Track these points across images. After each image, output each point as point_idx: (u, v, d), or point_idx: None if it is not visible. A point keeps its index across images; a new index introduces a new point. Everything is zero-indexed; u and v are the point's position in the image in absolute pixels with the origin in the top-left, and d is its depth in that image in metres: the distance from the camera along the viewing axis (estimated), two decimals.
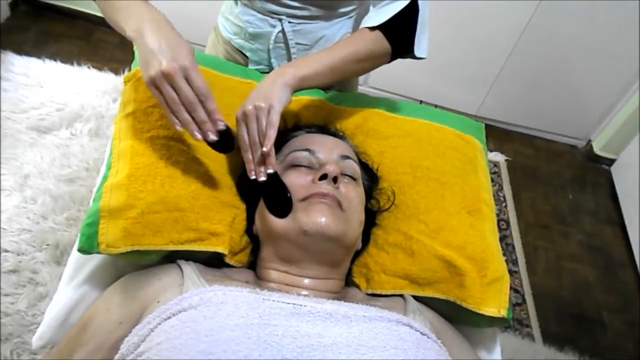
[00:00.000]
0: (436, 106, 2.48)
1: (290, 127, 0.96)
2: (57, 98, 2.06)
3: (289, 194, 0.78)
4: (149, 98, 0.88)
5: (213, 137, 0.73)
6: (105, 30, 2.53)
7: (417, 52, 0.97)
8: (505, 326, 1.81)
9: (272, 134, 0.76)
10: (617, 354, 1.89)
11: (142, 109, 0.87)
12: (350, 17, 1.10)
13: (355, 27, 1.11)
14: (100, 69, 2.27)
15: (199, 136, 0.72)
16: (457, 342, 0.80)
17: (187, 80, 0.70)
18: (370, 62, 0.94)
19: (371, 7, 0.99)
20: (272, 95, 0.79)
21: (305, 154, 0.84)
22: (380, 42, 0.93)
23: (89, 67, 2.26)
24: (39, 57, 2.23)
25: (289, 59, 1.10)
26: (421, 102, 2.51)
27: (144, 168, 0.79)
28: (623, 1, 2.09)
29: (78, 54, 2.37)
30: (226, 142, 0.76)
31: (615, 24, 2.17)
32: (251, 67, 1.13)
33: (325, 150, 0.85)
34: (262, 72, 1.10)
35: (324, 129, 0.94)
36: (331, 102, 1.07)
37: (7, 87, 2.07)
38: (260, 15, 1.06)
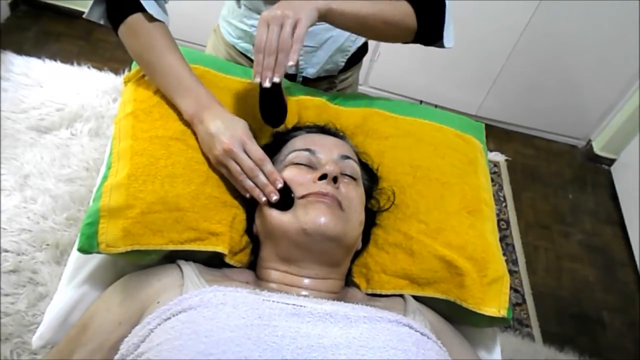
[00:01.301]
0: (436, 106, 2.48)
1: (291, 127, 0.96)
2: (57, 98, 2.06)
3: (284, 102, 0.80)
4: (149, 98, 0.89)
5: (275, 197, 0.78)
6: (105, 30, 2.50)
7: (446, 41, 0.99)
8: (505, 326, 1.81)
9: (297, 48, 0.77)
10: (617, 354, 1.89)
11: (142, 108, 0.87)
12: None
13: None
14: (100, 69, 2.27)
15: (264, 199, 0.78)
16: (457, 342, 0.80)
17: (246, 151, 0.78)
18: (395, 29, 0.95)
19: None
20: (303, 9, 0.79)
21: (306, 153, 0.84)
22: (409, 15, 0.95)
23: (89, 67, 2.26)
24: (39, 57, 2.23)
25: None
26: (421, 102, 2.51)
27: (144, 168, 0.79)
28: (623, 1, 2.09)
29: (78, 54, 2.37)
30: (286, 199, 0.78)
31: (615, 24, 2.17)
32: None
33: (325, 150, 0.85)
34: None
35: (324, 129, 0.94)
36: (331, 102, 1.07)
37: (7, 87, 2.07)
38: None
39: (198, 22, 2.36)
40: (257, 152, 0.79)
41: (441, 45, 1.00)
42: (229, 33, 1.14)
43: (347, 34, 1.10)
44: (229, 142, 0.77)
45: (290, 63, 0.77)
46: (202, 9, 2.23)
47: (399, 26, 0.95)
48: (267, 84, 0.78)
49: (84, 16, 0.92)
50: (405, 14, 0.95)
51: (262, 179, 0.78)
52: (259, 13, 1.05)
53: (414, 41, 0.99)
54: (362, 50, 1.21)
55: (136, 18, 0.87)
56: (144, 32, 0.88)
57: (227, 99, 0.93)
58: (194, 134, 0.85)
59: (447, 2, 0.97)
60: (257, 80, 0.79)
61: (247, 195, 0.80)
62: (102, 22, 0.92)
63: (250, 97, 0.98)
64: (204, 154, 0.84)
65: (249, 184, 0.78)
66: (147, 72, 0.91)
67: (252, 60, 1.11)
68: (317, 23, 1.04)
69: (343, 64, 1.16)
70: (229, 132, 0.78)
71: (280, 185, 0.78)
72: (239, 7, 1.08)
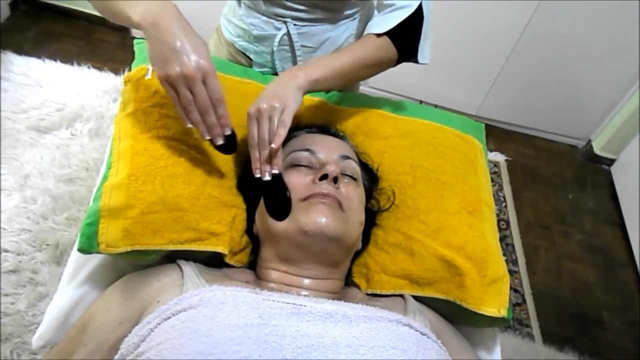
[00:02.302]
0: (436, 106, 2.48)
1: (291, 127, 0.96)
2: (57, 98, 2.06)
3: (288, 195, 0.78)
4: (149, 98, 0.88)
5: (220, 140, 0.76)
6: (105, 30, 2.53)
7: (421, 58, 0.99)
8: (505, 326, 1.81)
9: (283, 133, 0.78)
10: (617, 354, 1.89)
11: (142, 108, 0.87)
12: (354, 19, 1.10)
13: (360, 29, 1.11)
14: (100, 69, 2.27)
15: (207, 137, 0.75)
16: (457, 342, 0.80)
17: (204, 83, 0.71)
18: (378, 67, 0.97)
19: (376, 12, 1.00)
20: (287, 96, 0.80)
21: (306, 154, 0.84)
22: (387, 48, 0.95)
23: (89, 67, 2.26)
24: (39, 57, 2.23)
25: (294, 61, 1.10)
26: (421, 102, 2.51)
27: (144, 168, 0.78)
28: (623, 1, 2.09)
29: (78, 54, 2.37)
30: (230, 145, 0.78)
31: (615, 24, 2.17)
32: (255, 69, 1.13)
33: (325, 150, 0.85)
34: (264, 74, 1.10)
35: (325, 129, 0.94)
36: (331, 102, 1.07)
37: (7, 87, 2.07)
38: (265, 18, 1.06)
39: (198, 22, 2.36)
40: (217, 88, 0.72)
41: (415, 62, 1.01)
42: (229, 32, 1.14)
43: (345, 34, 1.10)
44: (193, 68, 0.69)
45: (273, 146, 0.77)
46: (202, 9, 2.24)
47: (381, 61, 0.96)
48: (267, 178, 0.78)
49: None
50: (382, 47, 0.95)
51: (212, 118, 0.73)
52: (259, 12, 1.05)
53: (397, 64, 1.00)
54: None
55: None
56: None
57: (227, 99, 0.93)
58: (195, 133, 0.85)
59: (425, 19, 0.96)
60: (257, 175, 0.78)
61: (188, 126, 0.74)
62: None
63: (251, 97, 0.98)
64: (202, 154, 0.83)
65: (196, 117, 0.73)
66: (102, 9, 0.82)
67: (250, 59, 1.12)
68: (316, 23, 1.04)
69: None
70: (196, 56, 0.70)
71: (228, 132, 0.75)
72: (240, 5, 1.09)
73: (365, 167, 0.92)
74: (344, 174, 0.83)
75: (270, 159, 0.78)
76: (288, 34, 1.06)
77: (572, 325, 1.95)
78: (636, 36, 2.18)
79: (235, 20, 1.11)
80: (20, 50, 2.26)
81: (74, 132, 1.98)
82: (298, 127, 0.95)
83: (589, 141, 2.65)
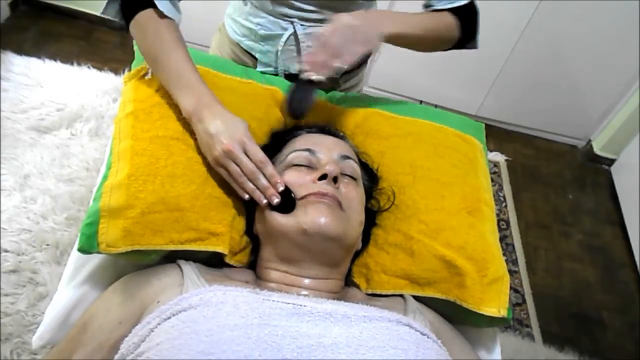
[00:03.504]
0: (436, 106, 2.48)
1: (291, 127, 0.96)
2: (57, 98, 2.06)
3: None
4: (149, 98, 0.88)
5: (277, 200, 0.77)
6: (105, 30, 2.53)
7: (478, 43, 1.03)
8: (505, 326, 1.81)
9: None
10: (617, 354, 1.89)
11: (142, 108, 0.87)
12: None
13: None
14: (100, 69, 2.27)
15: (265, 202, 0.77)
16: (457, 342, 0.80)
17: (246, 152, 0.77)
18: (442, 43, 1.00)
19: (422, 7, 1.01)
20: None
21: (306, 154, 0.84)
22: (455, 28, 0.99)
23: (89, 67, 2.26)
24: (39, 57, 2.23)
25: (300, 61, 1.10)
26: (421, 102, 2.51)
27: (144, 168, 0.79)
28: (623, 1, 2.09)
29: (78, 54, 2.37)
30: (288, 203, 0.77)
31: (615, 24, 2.17)
32: (260, 68, 1.13)
33: (325, 150, 0.85)
34: (267, 74, 1.10)
35: (324, 129, 0.94)
36: (331, 102, 1.07)
37: (7, 87, 2.07)
38: (271, 18, 1.06)
39: (199, 23, 2.36)
40: (258, 153, 0.77)
41: (473, 46, 1.03)
42: (235, 31, 1.14)
43: None
44: (228, 143, 0.76)
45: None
46: (203, 9, 2.24)
47: (445, 39, 1.00)
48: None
49: (99, 13, 0.94)
50: (450, 26, 0.98)
51: (263, 181, 0.77)
52: (265, 11, 1.05)
53: (451, 48, 1.03)
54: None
55: (146, 14, 0.88)
56: (151, 28, 0.88)
57: (228, 99, 0.93)
58: (194, 133, 0.85)
59: (477, 6, 1.01)
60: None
61: (246, 197, 0.79)
62: (117, 20, 0.92)
63: (251, 97, 0.98)
64: (202, 154, 0.84)
65: (249, 186, 0.77)
66: (152, 68, 0.91)
67: (255, 59, 1.11)
68: (323, 24, 1.04)
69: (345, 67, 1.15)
70: (229, 132, 0.77)
71: (281, 188, 0.77)
72: (245, 4, 1.08)
73: (365, 167, 0.92)
74: (343, 174, 0.83)
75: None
76: (295, 34, 1.06)
77: (572, 325, 1.95)
78: (636, 36, 2.18)
79: (241, 20, 1.11)
80: (20, 50, 2.26)
81: (74, 132, 1.98)
82: (298, 127, 0.95)
83: (589, 141, 2.65)
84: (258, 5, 1.06)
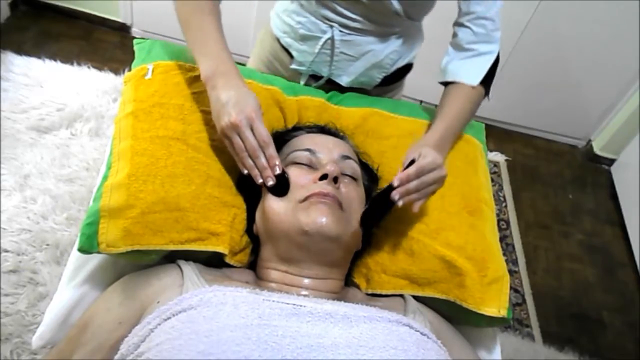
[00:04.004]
0: (436, 106, 2.47)
1: (291, 127, 0.96)
2: (57, 98, 2.06)
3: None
4: (149, 98, 0.88)
5: (271, 182, 0.78)
6: (105, 30, 2.53)
7: (491, 96, 1.05)
8: (505, 326, 1.81)
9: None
10: (617, 354, 1.89)
11: (142, 108, 0.87)
12: (400, 36, 1.09)
13: (403, 49, 1.12)
14: (100, 69, 2.27)
15: (260, 181, 0.78)
16: (457, 342, 0.80)
17: (252, 129, 0.77)
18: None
19: (451, 50, 1.03)
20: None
21: (306, 154, 0.84)
22: (481, 95, 1.02)
23: (89, 67, 2.26)
24: (39, 57, 2.23)
25: (330, 66, 1.10)
26: (421, 102, 2.50)
27: (144, 168, 0.78)
28: (623, 1, 2.09)
29: (78, 54, 2.37)
30: (283, 186, 0.79)
31: (615, 24, 2.17)
32: (294, 66, 1.13)
33: (325, 150, 0.85)
34: (300, 72, 1.12)
35: (325, 129, 0.94)
36: (331, 102, 1.07)
37: (7, 87, 2.07)
38: (313, 19, 1.06)
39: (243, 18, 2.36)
40: (263, 133, 0.77)
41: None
42: (277, 26, 1.15)
43: (388, 50, 1.10)
44: (237, 116, 0.76)
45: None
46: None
47: (475, 109, 1.03)
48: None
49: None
50: (479, 98, 1.01)
51: (262, 160, 0.77)
52: (309, 11, 1.06)
53: None
54: (404, 69, 1.20)
55: None
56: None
57: None
58: (194, 133, 0.85)
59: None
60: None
61: (245, 172, 0.79)
62: None
63: None
64: (202, 154, 0.83)
65: (249, 162, 0.78)
66: (182, 29, 0.90)
67: (291, 56, 1.12)
68: (361, 34, 1.05)
69: (379, 80, 1.15)
70: (239, 106, 0.77)
71: (278, 171, 0.78)
72: (292, 2, 1.09)
73: (365, 167, 0.92)
74: (344, 174, 0.83)
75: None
76: (332, 38, 1.06)
77: (572, 325, 1.95)
78: (636, 36, 2.18)
79: (285, 17, 1.11)
80: (20, 50, 2.26)
81: (74, 132, 1.98)
82: (298, 127, 0.95)
83: (589, 141, 2.65)
84: (303, 4, 1.06)
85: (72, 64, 2.26)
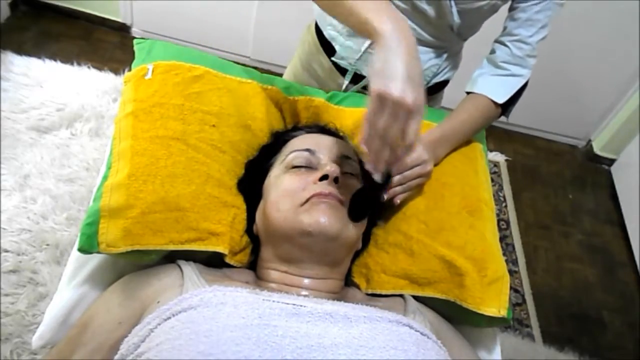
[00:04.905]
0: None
1: (291, 127, 0.96)
2: (57, 98, 2.06)
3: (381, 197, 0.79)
4: (149, 98, 0.88)
5: (378, 178, 0.71)
6: (105, 30, 2.53)
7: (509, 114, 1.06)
8: (505, 326, 1.81)
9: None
10: (617, 354, 1.89)
11: (142, 108, 0.87)
12: (445, 52, 1.11)
13: (444, 65, 1.13)
14: (100, 69, 2.27)
15: (369, 166, 0.71)
16: (457, 342, 0.80)
17: (408, 119, 0.66)
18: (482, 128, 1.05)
19: (485, 62, 1.05)
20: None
21: (306, 154, 0.84)
22: (497, 114, 1.03)
23: (89, 67, 2.26)
24: (39, 57, 2.23)
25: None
26: None
27: (144, 168, 0.78)
28: (623, 1, 2.09)
29: (78, 54, 2.37)
30: (364, 205, 0.76)
31: (615, 24, 2.17)
32: (335, 59, 1.13)
33: (325, 150, 0.85)
34: (343, 67, 1.12)
35: (324, 129, 0.94)
36: (331, 102, 1.07)
37: (7, 87, 2.07)
38: None
39: (200, 23, 2.37)
40: (412, 134, 0.66)
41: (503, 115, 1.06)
42: (324, 18, 1.13)
43: (432, 62, 1.11)
44: (410, 101, 0.64)
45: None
46: (202, 9, 2.24)
47: (488, 124, 1.04)
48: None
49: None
50: (494, 113, 1.02)
51: (386, 154, 0.68)
52: None
53: None
54: (439, 85, 1.20)
55: None
56: None
57: (227, 99, 0.93)
58: (194, 133, 0.85)
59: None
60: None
61: (362, 145, 0.69)
62: None
63: (251, 97, 0.98)
64: (202, 154, 0.84)
65: (375, 143, 0.68)
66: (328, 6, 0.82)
67: (333, 49, 1.11)
68: None
69: None
70: (418, 92, 0.65)
71: (382, 177, 0.71)
72: None
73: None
74: (344, 173, 0.83)
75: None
76: None
77: (572, 325, 1.95)
78: (636, 36, 2.18)
79: None
80: (20, 50, 2.25)
81: (74, 132, 1.98)
82: (298, 127, 0.95)
83: (589, 141, 2.65)
84: None
85: (72, 64, 2.26)
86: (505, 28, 1.04)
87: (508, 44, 1.03)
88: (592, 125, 2.60)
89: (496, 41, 1.05)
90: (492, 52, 1.05)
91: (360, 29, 0.74)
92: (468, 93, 1.05)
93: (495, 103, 1.01)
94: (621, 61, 2.30)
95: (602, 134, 2.57)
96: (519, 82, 1.03)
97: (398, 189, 0.85)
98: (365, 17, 0.72)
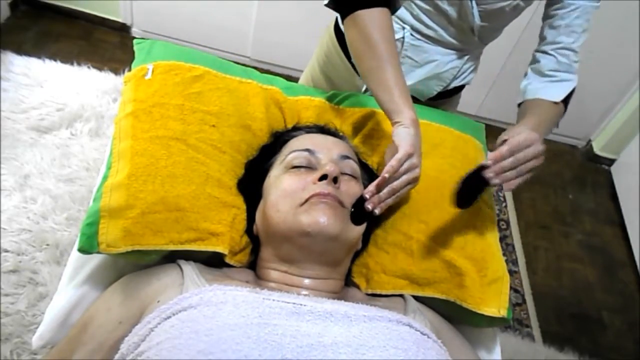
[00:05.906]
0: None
1: (291, 127, 0.96)
2: (57, 98, 2.06)
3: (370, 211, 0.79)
4: (149, 98, 0.88)
5: (377, 211, 0.77)
6: (105, 30, 2.53)
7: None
8: (505, 326, 1.81)
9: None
10: (617, 354, 1.89)
11: (142, 108, 0.87)
12: (465, 55, 1.11)
13: (465, 66, 1.13)
14: (100, 69, 2.27)
15: (370, 208, 0.77)
16: (457, 342, 0.80)
17: (409, 184, 0.79)
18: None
19: (530, 72, 1.04)
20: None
21: (305, 154, 0.84)
22: (561, 112, 1.02)
23: (89, 67, 2.26)
24: (39, 57, 2.23)
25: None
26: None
27: (145, 168, 0.79)
28: (623, 1, 2.09)
29: (78, 54, 2.37)
30: (361, 215, 0.78)
31: (615, 24, 2.17)
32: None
33: (325, 150, 0.85)
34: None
35: (324, 129, 0.94)
36: (331, 102, 1.07)
37: (7, 87, 2.07)
38: None
39: (200, 23, 2.37)
40: (404, 195, 0.80)
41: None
42: None
43: (451, 65, 1.11)
44: (416, 168, 0.79)
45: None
46: (202, 10, 2.24)
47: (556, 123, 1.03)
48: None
49: (324, 4, 0.91)
50: (561, 112, 1.01)
51: (387, 194, 0.77)
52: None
53: None
54: (459, 87, 1.20)
55: (366, 16, 0.86)
56: (367, 31, 0.86)
57: (227, 99, 0.93)
58: (194, 133, 0.85)
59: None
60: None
61: (371, 191, 0.77)
62: (330, 7, 0.92)
63: (251, 97, 0.98)
64: (202, 154, 0.84)
65: (386, 189, 0.77)
66: (362, 72, 0.91)
67: (347, 57, 1.12)
68: (428, 41, 1.06)
69: (435, 92, 1.16)
70: (419, 157, 0.80)
71: (375, 210, 0.77)
72: None
73: (365, 167, 0.92)
74: (343, 173, 0.83)
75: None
76: (402, 40, 1.06)
77: (572, 325, 1.95)
78: (636, 36, 2.18)
79: None
80: (20, 50, 2.25)
81: (74, 132, 1.98)
82: (298, 127, 0.95)
83: (589, 141, 2.65)
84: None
85: (72, 64, 2.26)
86: (545, 37, 1.04)
87: (552, 52, 1.02)
88: (592, 126, 2.60)
89: (538, 51, 1.05)
90: (536, 62, 1.05)
91: (388, 111, 0.85)
92: (520, 105, 1.04)
93: (554, 102, 0.99)
94: (621, 61, 2.30)
95: (602, 134, 2.57)
96: (570, 86, 1.01)
97: (510, 174, 0.80)
98: (389, 107, 0.84)
